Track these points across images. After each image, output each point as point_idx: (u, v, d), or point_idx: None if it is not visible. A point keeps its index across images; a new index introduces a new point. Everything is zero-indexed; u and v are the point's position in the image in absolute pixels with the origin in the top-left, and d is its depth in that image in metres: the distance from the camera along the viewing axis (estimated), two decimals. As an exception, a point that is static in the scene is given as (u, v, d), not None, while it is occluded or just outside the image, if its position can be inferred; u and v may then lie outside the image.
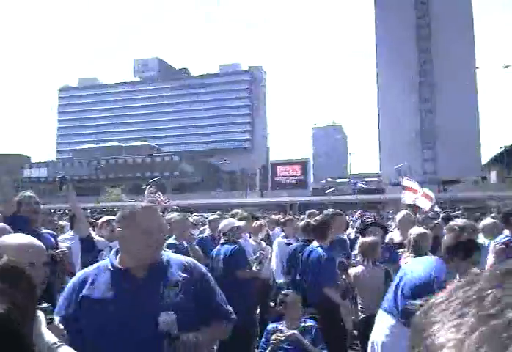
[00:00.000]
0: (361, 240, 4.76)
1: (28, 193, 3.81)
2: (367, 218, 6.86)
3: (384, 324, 3.12)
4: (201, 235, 6.77)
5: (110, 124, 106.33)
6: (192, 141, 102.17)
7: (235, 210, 6.78)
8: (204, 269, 2.07)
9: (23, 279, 1.36)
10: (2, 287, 1.27)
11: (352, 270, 4.55)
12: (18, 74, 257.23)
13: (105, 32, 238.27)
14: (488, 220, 5.44)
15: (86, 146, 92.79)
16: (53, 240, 3.72)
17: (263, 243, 6.14)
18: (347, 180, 62.57)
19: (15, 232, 2.22)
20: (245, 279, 4.57)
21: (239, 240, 4.89)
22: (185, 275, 1.90)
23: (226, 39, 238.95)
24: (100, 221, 4.76)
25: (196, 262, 2.08)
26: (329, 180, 67.45)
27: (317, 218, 4.85)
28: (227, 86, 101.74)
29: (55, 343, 1.48)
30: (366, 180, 72.55)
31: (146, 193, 4.62)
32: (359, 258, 4.55)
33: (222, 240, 4.92)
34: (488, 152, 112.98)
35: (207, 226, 7.16)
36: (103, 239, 4.48)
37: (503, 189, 50.11)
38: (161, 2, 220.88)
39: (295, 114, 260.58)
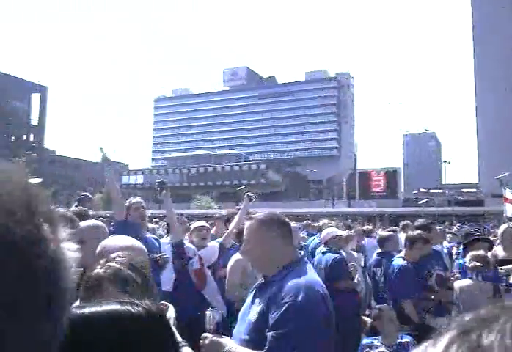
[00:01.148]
0: (471, 253, 4.52)
1: (137, 199, 4.07)
2: (472, 231, 6.44)
3: None
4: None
5: (201, 132, 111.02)
6: (279, 150, 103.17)
7: (323, 220, 6.75)
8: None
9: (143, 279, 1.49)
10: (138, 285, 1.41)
11: (458, 284, 4.34)
12: (118, 86, 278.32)
13: (196, 44, 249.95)
14: None
15: (178, 154, 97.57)
16: (157, 244, 3.96)
17: (355, 254, 6.03)
18: (441, 190, 59.21)
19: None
20: (345, 289, 4.56)
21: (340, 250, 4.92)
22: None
23: (313, 46, 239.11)
24: (192, 227, 4.53)
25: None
26: (422, 190, 64.20)
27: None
28: (313, 93, 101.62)
29: (179, 342, 1.56)
30: (463, 190, 68.15)
31: (244, 202, 4.58)
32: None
33: (324, 249, 4.94)
34: None
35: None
36: (192, 246, 4.30)
37: None
38: (249, 13, 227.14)
39: (385, 120, 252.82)
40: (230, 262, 3.95)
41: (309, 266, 2.04)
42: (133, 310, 0.86)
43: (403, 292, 4.13)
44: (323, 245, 5.19)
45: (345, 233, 5.49)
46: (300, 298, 1.77)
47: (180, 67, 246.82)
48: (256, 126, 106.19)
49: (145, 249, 2.02)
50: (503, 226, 5.56)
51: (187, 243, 4.15)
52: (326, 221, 6.69)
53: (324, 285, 2.00)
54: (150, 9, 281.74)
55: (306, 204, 56.07)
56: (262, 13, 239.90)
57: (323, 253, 4.90)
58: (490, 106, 69.96)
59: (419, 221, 5.31)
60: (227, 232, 4.49)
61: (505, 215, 10.01)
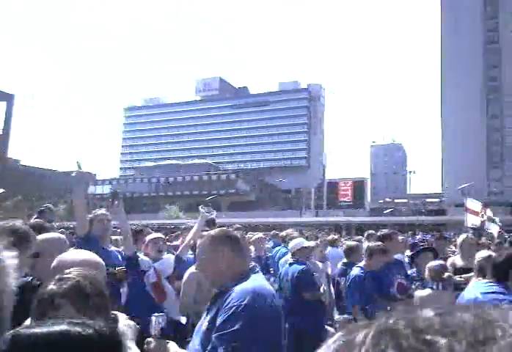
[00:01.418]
0: (429, 264, 4.64)
1: (102, 211, 3.97)
2: (420, 241, 6.65)
3: None
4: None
5: (171, 142, 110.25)
6: (250, 159, 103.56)
7: (287, 230, 6.80)
8: None
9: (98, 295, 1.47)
10: (98, 303, 1.40)
11: (418, 293, 4.43)
12: (88, 95, 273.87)
13: (169, 53, 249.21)
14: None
15: (148, 164, 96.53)
16: (120, 258, 3.88)
17: (320, 264, 6.09)
18: (406, 200, 60.64)
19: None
20: (312, 300, 4.60)
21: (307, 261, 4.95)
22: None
23: (285, 57, 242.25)
24: (146, 239, 4.32)
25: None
26: (387, 200, 65.63)
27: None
28: (285, 103, 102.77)
29: None
30: (427, 200, 69.94)
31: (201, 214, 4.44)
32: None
33: (291, 260, 4.97)
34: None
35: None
36: (147, 258, 4.07)
37: None
38: (222, 23, 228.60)
39: (354, 131, 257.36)
40: (185, 275, 3.89)
41: (259, 275, 2.11)
42: (83, 332, 0.82)
43: (355, 300, 4.21)
44: (289, 256, 5.23)
45: (312, 244, 5.55)
46: (246, 301, 1.84)
47: (151, 77, 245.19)
48: (228, 136, 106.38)
49: (103, 263, 2.01)
50: (462, 236, 5.74)
51: (141, 256, 4.01)
52: (289, 231, 6.73)
53: (273, 291, 2.08)
54: (121, 17, 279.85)
55: (275, 214, 56.32)
56: (235, 24, 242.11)
57: (290, 264, 4.93)
58: (454, 119, 72.32)
59: (382, 231, 5.42)
60: (184, 244, 4.40)
61: (465, 224, 10.33)
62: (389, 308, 4.32)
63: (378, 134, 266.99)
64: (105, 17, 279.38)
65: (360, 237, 9.24)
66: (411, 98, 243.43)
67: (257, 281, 2.02)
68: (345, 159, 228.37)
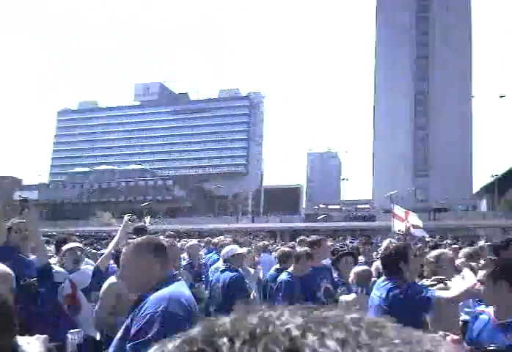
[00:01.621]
0: (355, 269, 4.78)
1: (19, 220, 3.73)
2: (341, 247, 6.89)
3: None
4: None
5: (107, 147, 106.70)
6: (188, 166, 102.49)
7: (219, 237, 6.80)
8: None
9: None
10: None
11: (343, 297, 4.51)
12: (19, 98, 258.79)
13: (106, 56, 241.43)
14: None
15: (80, 169, 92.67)
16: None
17: (251, 270, 6.14)
18: (339, 206, 62.67)
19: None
20: None
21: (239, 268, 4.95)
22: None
23: (226, 65, 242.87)
24: (63, 249, 3.96)
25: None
26: (322, 206, 67.44)
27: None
28: (225, 111, 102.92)
29: None
30: (358, 206, 72.67)
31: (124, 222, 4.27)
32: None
33: (222, 267, 4.95)
34: (479, 180, 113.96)
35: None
36: (62, 270, 3.81)
37: (492, 218, 50.50)
38: (162, 28, 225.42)
39: (292, 139, 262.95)
40: (104, 286, 3.69)
41: (180, 283, 2.12)
42: None
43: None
44: (221, 262, 5.24)
45: (244, 250, 5.58)
46: (161, 308, 1.83)
47: (88, 80, 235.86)
48: (166, 142, 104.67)
49: (11, 274, 1.92)
50: (386, 241, 6.04)
51: (56, 267, 3.78)
52: (221, 237, 6.75)
53: (192, 298, 2.09)
54: (56, 16, 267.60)
55: (211, 221, 56.06)
56: (177, 29, 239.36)
57: (222, 271, 4.93)
58: (385, 130, 76.07)
59: (312, 237, 5.55)
60: (105, 253, 4.19)
61: (392, 229, 10.83)
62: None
63: (314, 142, 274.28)
64: (39, 17, 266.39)
65: (293, 243, 9.44)
66: (347, 108, 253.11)
67: (175, 288, 2.02)
68: (283, 166, 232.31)
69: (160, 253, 2.09)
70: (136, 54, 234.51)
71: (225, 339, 0.32)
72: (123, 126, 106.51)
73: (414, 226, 10.93)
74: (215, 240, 6.73)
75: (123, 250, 2.17)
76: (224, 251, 5.11)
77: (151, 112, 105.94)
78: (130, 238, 3.90)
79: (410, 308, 2.87)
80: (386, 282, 3.09)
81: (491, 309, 2.38)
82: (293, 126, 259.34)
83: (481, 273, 2.38)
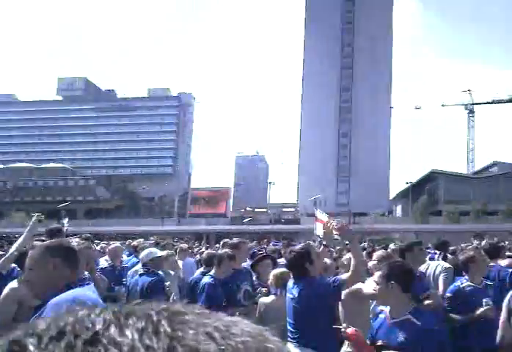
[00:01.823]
0: (273, 271, 4.89)
1: None
2: (259, 250, 7.08)
3: None
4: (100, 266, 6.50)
5: (24, 143, 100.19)
6: (113, 165, 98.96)
7: (139, 240, 6.71)
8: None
9: None
10: None
11: (262, 299, 4.59)
12: None
13: (29, 48, 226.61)
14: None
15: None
16: None
17: (172, 272, 6.11)
18: (265, 209, 63.68)
19: None
20: None
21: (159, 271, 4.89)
22: None
23: (156, 64, 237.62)
24: None
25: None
26: (248, 209, 68.12)
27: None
28: (154, 110, 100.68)
29: None
30: (284, 210, 74.19)
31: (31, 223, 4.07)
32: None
33: (141, 271, 4.86)
34: (395, 187, 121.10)
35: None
36: None
37: (406, 222, 53.93)
38: (89, 21, 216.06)
39: (221, 141, 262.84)
40: (4, 291, 3.47)
41: (88, 286, 2.12)
42: None
43: (207, 307, 4.32)
44: (140, 266, 5.16)
45: (163, 253, 5.54)
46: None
47: (6, 71, 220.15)
48: (89, 140, 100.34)
49: None
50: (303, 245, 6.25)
51: None
52: (141, 240, 6.66)
53: (97, 301, 2.05)
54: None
55: (136, 222, 54.59)
56: (104, 24, 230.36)
57: (140, 275, 4.86)
58: (310, 136, 78.50)
59: (234, 240, 5.64)
60: (6, 255, 3.97)
61: (315, 233, 11.23)
62: (237, 314, 4.54)
63: (243, 145, 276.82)
64: None
65: (218, 245, 9.50)
66: (276, 113, 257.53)
67: (81, 291, 2.00)
68: (211, 168, 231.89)
69: (69, 256, 2.06)
70: (62, 48, 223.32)
71: (34, 338, 0.33)
72: (44, 122, 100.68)
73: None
74: (134, 242, 6.60)
75: (30, 253, 2.10)
76: (142, 254, 5.03)
77: (75, 108, 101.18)
78: (41, 240, 3.72)
79: (321, 300, 3.07)
80: (295, 284, 3.27)
81: (388, 309, 2.60)
82: (223, 129, 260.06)
83: (376, 274, 2.59)
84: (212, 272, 4.74)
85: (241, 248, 5.17)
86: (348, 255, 4.95)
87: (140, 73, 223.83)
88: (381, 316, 2.61)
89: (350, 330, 2.50)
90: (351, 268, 3.20)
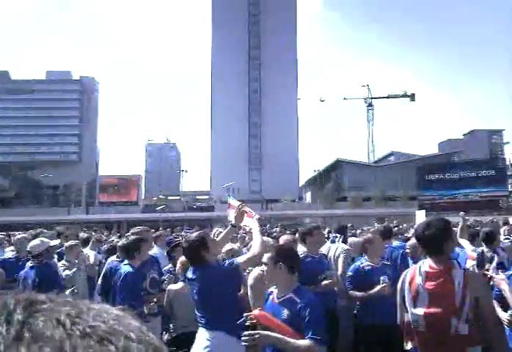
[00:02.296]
0: (180, 258, 4.90)
1: None
2: (175, 237, 7.10)
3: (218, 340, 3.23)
4: (3, 256, 6.13)
5: None
6: (10, 152, 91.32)
7: (37, 230, 6.37)
8: None
9: None
10: None
11: (170, 286, 4.62)
12: None
13: None
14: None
15: None
16: None
17: (76, 263, 5.89)
18: (178, 197, 63.03)
19: None
20: None
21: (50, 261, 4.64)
22: None
23: (56, 45, 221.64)
24: None
25: None
26: (161, 197, 66.97)
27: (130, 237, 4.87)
28: (54, 94, 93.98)
29: None
30: (197, 197, 74.00)
31: None
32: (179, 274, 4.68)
33: (32, 264, 4.58)
34: (304, 175, 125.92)
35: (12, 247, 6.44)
36: None
37: (315, 208, 56.48)
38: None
39: (129, 128, 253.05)
40: None
41: None
42: None
43: (128, 296, 4.23)
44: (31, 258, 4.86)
45: (56, 243, 5.25)
46: None
47: None
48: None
49: None
50: (214, 230, 6.36)
51: None
52: (38, 230, 6.31)
53: None
54: None
55: (38, 212, 51.22)
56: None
57: (31, 267, 4.60)
58: (222, 124, 78.56)
59: (138, 228, 5.52)
60: None
61: (228, 219, 11.36)
62: (146, 302, 4.49)
63: (153, 133, 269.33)
64: None
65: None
66: (186, 101, 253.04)
67: None
68: (120, 155, 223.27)
69: None
70: None
71: None
72: None
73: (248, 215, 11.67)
74: (31, 232, 6.25)
75: None
76: (31, 244, 4.72)
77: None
78: None
79: (219, 284, 3.17)
80: (194, 271, 3.35)
81: (276, 289, 2.76)
82: (131, 116, 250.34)
83: (265, 256, 2.74)
84: (127, 260, 4.62)
85: (146, 237, 5.07)
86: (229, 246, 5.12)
87: (37, 54, 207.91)
88: (270, 297, 2.76)
89: (257, 312, 2.61)
90: (250, 250, 3.36)
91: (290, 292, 2.65)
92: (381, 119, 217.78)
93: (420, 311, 2.70)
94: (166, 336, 4.81)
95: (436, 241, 2.72)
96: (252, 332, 2.46)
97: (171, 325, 4.70)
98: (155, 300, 4.46)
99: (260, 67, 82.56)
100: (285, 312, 2.58)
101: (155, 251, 6.03)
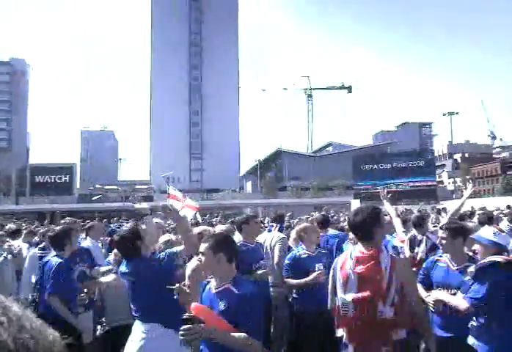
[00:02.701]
0: (114, 251, 4.80)
1: None
2: (117, 227, 6.95)
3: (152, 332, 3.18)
4: None
5: None
6: None
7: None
8: None
9: None
10: None
11: (103, 279, 4.55)
12: None
13: None
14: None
15: None
16: None
17: (9, 256, 5.58)
18: (116, 186, 61.24)
19: None
20: None
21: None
22: None
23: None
24: None
25: None
26: (98, 186, 64.73)
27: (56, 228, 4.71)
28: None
29: None
30: (136, 187, 72.19)
31: None
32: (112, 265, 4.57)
33: None
34: (245, 164, 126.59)
35: None
36: None
37: (256, 197, 57.04)
38: None
39: (65, 114, 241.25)
40: None
41: None
42: None
43: (57, 288, 4.08)
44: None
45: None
46: None
47: None
48: None
49: None
50: (155, 220, 6.21)
51: None
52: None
53: None
54: None
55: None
56: None
57: None
58: (162, 112, 76.79)
59: (67, 219, 5.35)
60: None
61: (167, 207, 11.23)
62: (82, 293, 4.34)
63: (89, 119, 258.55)
64: None
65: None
66: (124, 87, 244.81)
67: None
68: (53, 143, 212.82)
69: None
70: None
71: None
72: None
73: (189, 207, 11.61)
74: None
75: None
76: None
77: None
78: None
79: (152, 276, 3.12)
80: (127, 263, 3.28)
81: (214, 280, 2.73)
82: (66, 101, 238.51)
83: (203, 245, 2.70)
84: (53, 253, 4.43)
85: (73, 229, 4.87)
86: (197, 229, 5.11)
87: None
88: (207, 287, 2.73)
89: (193, 305, 2.58)
90: (182, 242, 3.33)
91: (228, 282, 2.61)
92: (320, 110, 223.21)
93: (349, 296, 2.79)
94: (99, 331, 4.69)
95: (365, 227, 2.82)
96: (190, 326, 2.42)
97: (103, 319, 4.59)
98: (85, 290, 4.37)
99: (201, 54, 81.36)
100: (222, 304, 2.55)
101: (87, 243, 5.83)
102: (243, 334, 2.44)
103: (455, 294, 3.47)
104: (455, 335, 3.49)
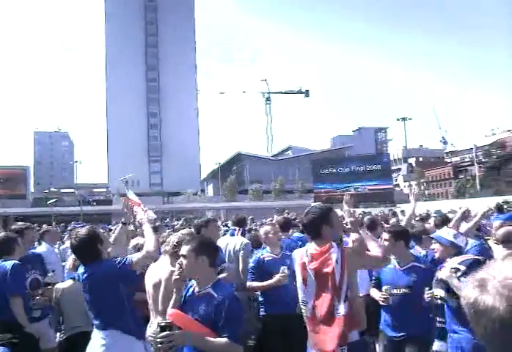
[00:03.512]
0: (71, 256, 4.67)
1: None
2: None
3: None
4: None
5: None
6: None
7: None
8: None
9: None
10: None
11: (59, 285, 4.45)
12: None
13: None
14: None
15: None
16: None
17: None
18: (73, 190, 59.45)
19: None
20: None
21: None
22: None
23: None
24: None
25: None
26: (53, 189, 62.67)
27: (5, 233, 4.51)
28: None
29: None
30: (94, 190, 70.47)
31: None
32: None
33: None
34: (206, 167, 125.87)
35: None
36: None
37: (218, 201, 56.89)
38: None
39: (16, 115, 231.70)
40: None
41: None
42: None
43: (15, 289, 3.94)
44: None
45: None
46: None
47: None
48: None
49: None
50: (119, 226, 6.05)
51: None
52: None
53: None
54: None
55: None
56: None
57: None
58: (118, 113, 75.11)
59: (18, 225, 5.14)
60: None
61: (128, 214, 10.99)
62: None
63: (42, 121, 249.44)
64: None
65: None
66: (79, 88, 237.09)
67: None
68: (4, 145, 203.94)
69: None
70: None
71: None
72: None
73: (135, 203, 11.44)
74: None
75: None
76: None
77: None
78: None
79: (109, 281, 3.03)
80: (85, 268, 3.17)
81: (195, 283, 2.70)
82: (16, 101, 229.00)
83: (185, 248, 2.65)
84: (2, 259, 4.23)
85: (24, 235, 4.64)
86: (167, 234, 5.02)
87: None
88: (191, 289, 2.70)
89: (171, 312, 2.54)
90: (144, 248, 3.24)
91: (209, 286, 2.58)
92: (279, 114, 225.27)
93: (309, 297, 2.86)
94: (58, 338, 4.55)
95: (313, 226, 2.94)
96: (168, 333, 2.36)
97: (62, 326, 4.47)
98: (40, 292, 4.27)
99: (157, 55, 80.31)
100: (202, 307, 2.52)
101: (42, 248, 5.60)
102: (223, 339, 2.41)
103: (404, 293, 3.71)
104: (407, 334, 3.64)
